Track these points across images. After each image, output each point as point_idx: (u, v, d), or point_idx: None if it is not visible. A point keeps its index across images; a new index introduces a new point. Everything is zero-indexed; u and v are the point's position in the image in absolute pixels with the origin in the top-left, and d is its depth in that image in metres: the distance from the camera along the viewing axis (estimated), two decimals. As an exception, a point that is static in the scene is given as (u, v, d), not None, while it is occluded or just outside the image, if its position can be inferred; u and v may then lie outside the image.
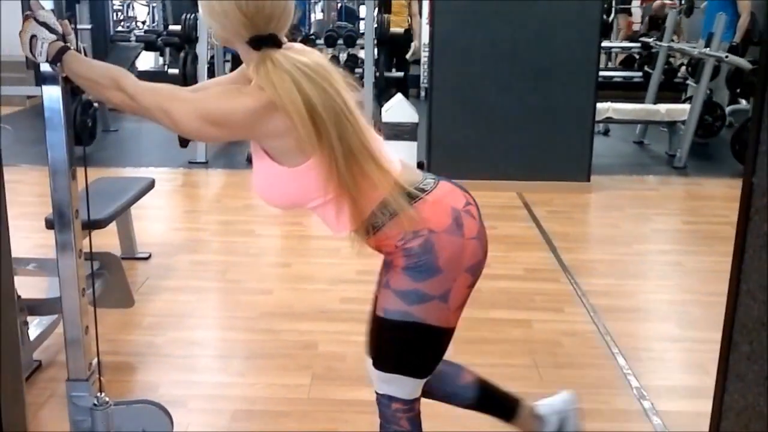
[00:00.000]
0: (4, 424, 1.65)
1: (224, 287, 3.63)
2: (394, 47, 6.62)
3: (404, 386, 1.76)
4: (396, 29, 6.69)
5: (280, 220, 4.59)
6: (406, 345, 1.72)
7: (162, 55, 10.47)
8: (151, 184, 3.83)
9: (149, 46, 9.04)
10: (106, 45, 8.15)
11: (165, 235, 4.34)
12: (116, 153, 6.34)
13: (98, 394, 2.02)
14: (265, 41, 1.60)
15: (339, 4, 12.57)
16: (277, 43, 1.61)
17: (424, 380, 1.79)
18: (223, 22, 1.60)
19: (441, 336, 1.72)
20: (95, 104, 5.93)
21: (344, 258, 3.93)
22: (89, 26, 6.62)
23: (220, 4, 1.58)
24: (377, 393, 1.80)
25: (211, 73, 6.67)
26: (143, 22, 14.42)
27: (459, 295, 1.69)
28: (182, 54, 6.30)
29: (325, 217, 1.70)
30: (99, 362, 2.07)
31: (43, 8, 1.76)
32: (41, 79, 1.85)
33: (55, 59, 1.73)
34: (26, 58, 1.74)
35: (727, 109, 6.79)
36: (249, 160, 5.88)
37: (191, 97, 1.61)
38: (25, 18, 1.74)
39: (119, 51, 7.61)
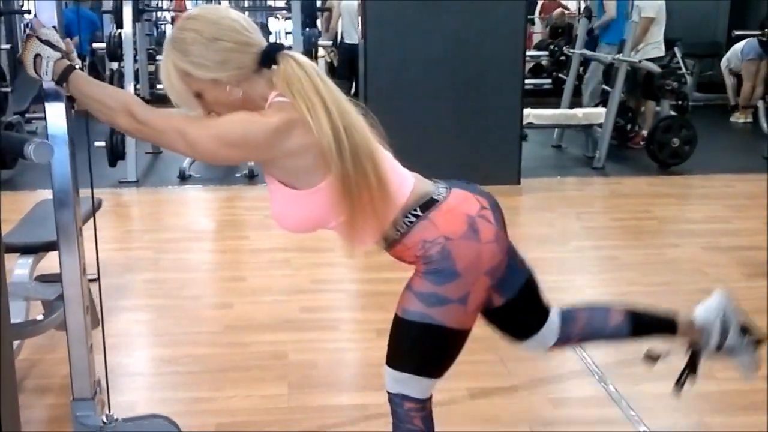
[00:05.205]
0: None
1: (182, 304, 3.60)
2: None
3: (418, 386, 1.77)
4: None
5: (226, 235, 4.58)
6: (423, 346, 1.74)
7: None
8: (98, 204, 3.76)
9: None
10: (15, 66, 7.90)
11: (109, 256, 4.23)
12: (39, 175, 6.14)
13: (107, 413, 2.01)
14: (272, 48, 1.64)
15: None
16: (280, 48, 1.66)
17: (438, 380, 1.80)
18: (226, 66, 1.60)
19: (457, 337, 1.76)
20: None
21: (296, 269, 3.98)
22: (8, 46, 6.35)
23: (212, 54, 1.58)
24: (389, 392, 1.80)
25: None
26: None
27: (478, 297, 1.73)
28: (108, 73, 6.18)
29: (345, 235, 1.72)
30: (107, 378, 2.05)
31: (45, 26, 1.75)
32: (44, 96, 1.83)
33: (61, 79, 1.71)
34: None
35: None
36: (181, 177, 5.82)
37: (207, 120, 1.63)
38: (27, 37, 1.73)
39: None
